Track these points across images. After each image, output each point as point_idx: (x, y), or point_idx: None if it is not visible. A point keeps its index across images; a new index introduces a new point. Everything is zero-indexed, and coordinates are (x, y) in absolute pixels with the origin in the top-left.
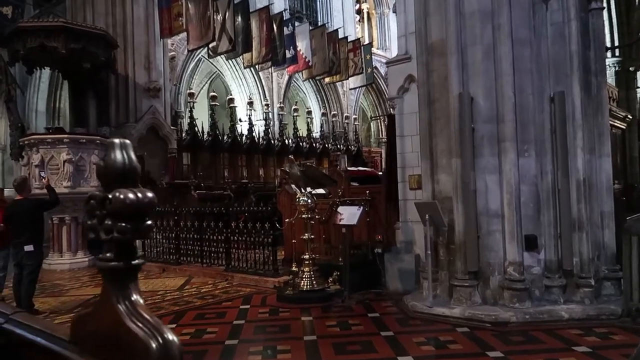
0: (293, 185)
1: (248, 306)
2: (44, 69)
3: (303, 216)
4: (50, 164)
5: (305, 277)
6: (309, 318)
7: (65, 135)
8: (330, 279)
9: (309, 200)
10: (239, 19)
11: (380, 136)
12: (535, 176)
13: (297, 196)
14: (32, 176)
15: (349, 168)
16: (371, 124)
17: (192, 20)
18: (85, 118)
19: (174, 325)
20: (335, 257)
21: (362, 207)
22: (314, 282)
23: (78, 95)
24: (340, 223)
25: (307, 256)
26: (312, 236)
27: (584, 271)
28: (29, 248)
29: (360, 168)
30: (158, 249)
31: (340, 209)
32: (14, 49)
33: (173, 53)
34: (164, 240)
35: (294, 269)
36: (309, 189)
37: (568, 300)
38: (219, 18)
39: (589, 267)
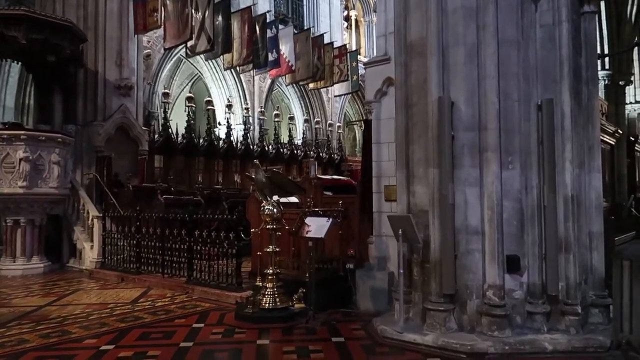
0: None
1: (202, 325)
2: (11, 62)
3: (268, 227)
4: (5, 162)
5: (267, 294)
6: (266, 342)
7: (23, 132)
8: (295, 296)
9: (275, 210)
10: (220, 18)
11: None
12: (519, 191)
13: (262, 205)
14: None
15: (321, 176)
16: (356, 132)
17: (169, 17)
18: (51, 115)
19: (111, 347)
20: (303, 273)
21: (331, 219)
22: (277, 300)
23: (43, 90)
24: (307, 235)
25: (271, 270)
26: (278, 249)
27: (570, 297)
28: None
29: (335, 177)
30: (119, 257)
31: (308, 220)
32: None
33: (148, 51)
34: (127, 248)
35: (257, 283)
36: (275, 197)
37: (552, 328)
38: (198, 16)
39: (575, 292)
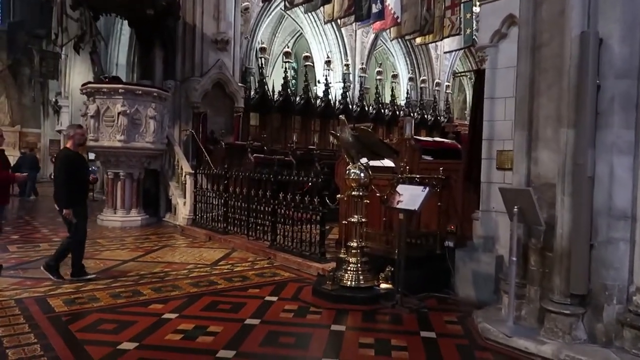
0: None
1: (275, 298)
2: (122, 20)
3: (354, 193)
4: (105, 115)
5: (350, 270)
6: (341, 328)
7: (121, 86)
8: (382, 274)
9: (362, 174)
10: None
11: None
12: None
13: (348, 168)
14: (87, 127)
15: (420, 137)
16: (467, 94)
17: None
18: (152, 71)
19: (174, 315)
20: (394, 248)
21: (428, 189)
22: (361, 278)
23: (145, 46)
24: (398, 206)
25: (355, 244)
26: (364, 219)
27: None
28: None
29: (437, 139)
30: (209, 214)
31: (401, 188)
32: None
33: (247, 4)
34: (217, 206)
35: (341, 255)
36: (364, 160)
37: None
38: None
39: None
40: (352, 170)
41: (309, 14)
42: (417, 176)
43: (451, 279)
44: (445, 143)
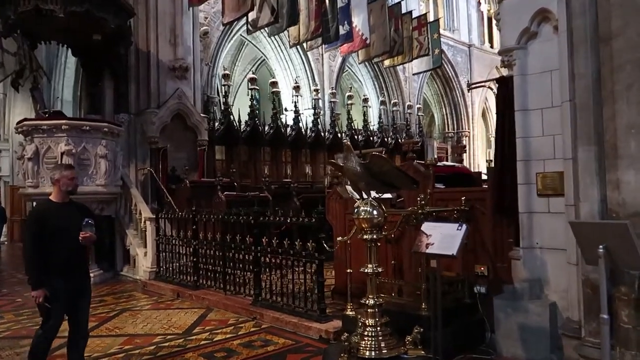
0: (349, 187)
1: None
2: (66, 51)
3: (365, 237)
4: (46, 156)
5: (368, 336)
6: None
7: (64, 121)
8: (409, 338)
9: (375, 212)
10: None
11: (446, 130)
12: None
13: (357, 205)
14: (24, 172)
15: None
16: (434, 115)
17: None
18: (101, 104)
19: None
20: (412, 300)
21: (464, 226)
22: (382, 345)
23: (93, 76)
24: (429, 251)
25: (372, 301)
26: (380, 269)
27: None
28: None
29: (446, 163)
30: (176, 265)
31: (426, 226)
32: (5, 16)
33: (206, 28)
34: (184, 255)
35: (348, 312)
36: (373, 194)
37: None
38: None
39: None
40: (363, 208)
41: (273, 38)
42: (433, 209)
43: (487, 334)
44: (456, 167)
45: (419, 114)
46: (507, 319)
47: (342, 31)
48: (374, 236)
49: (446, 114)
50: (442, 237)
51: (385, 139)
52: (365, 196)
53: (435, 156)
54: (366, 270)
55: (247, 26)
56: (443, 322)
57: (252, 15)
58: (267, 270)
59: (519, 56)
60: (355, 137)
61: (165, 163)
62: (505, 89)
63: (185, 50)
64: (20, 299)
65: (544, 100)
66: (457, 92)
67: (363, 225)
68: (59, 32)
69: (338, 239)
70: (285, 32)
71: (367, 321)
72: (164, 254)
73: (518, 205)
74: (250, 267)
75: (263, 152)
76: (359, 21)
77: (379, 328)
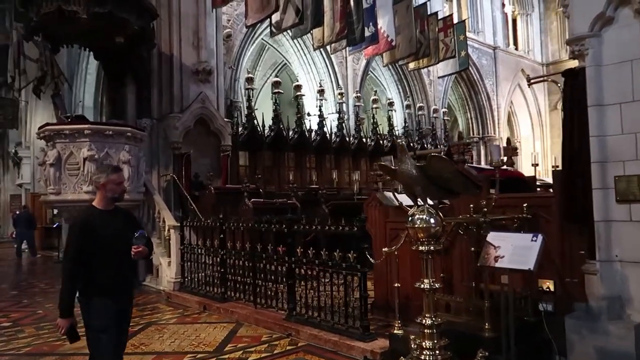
0: (390, 193)
1: None
2: (88, 57)
3: (421, 248)
4: (68, 162)
5: (426, 357)
6: None
7: (87, 126)
8: None
9: (432, 220)
10: None
11: (471, 134)
12: None
13: (411, 213)
14: (46, 179)
15: (475, 165)
16: (458, 119)
17: None
18: (123, 108)
19: None
20: (472, 319)
21: (540, 237)
22: None
23: (115, 80)
24: (499, 265)
25: (429, 321)
26: (438, 284)
27: None
28: None
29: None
30: (201, 276)
31: (493, 237)
32: (28, 18)
33: (229, 30)
34: (210, 265)
35: (396, 331)
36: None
37: None
38: None
39: None
40: (418, 216)
41: (296, 41)
42: (490, 217)
43: (555, 357)
44: (509, 172)
45: (445, 118)
46: (582, 341)
47: (367, 33)
48: (431, 247)
49: (471, 118)
50: (514, 249)
51: (411, 144)
52: (420, 202)
53: (501, 158)
54: (422, 286)
55: (270, 28)
56: (508, 343)
57: (275, 17)
58: (302, 282)
59: (592, 45)
60: (381, 142)
61: (188, 169)
62: (574, 83)
63: (209, 53)
64: (42, 311)
65: (622, 93)
66: (482, 95)
67: (419, 235)
68: (81, 34)
69: (384, 249)
70: (309, 35)
71: (424, 343)
72: (188, 263)
73: (592, 212)
74: (283, 279)
75: (287, 158)
76: (384, 22)
77: (437, 352)
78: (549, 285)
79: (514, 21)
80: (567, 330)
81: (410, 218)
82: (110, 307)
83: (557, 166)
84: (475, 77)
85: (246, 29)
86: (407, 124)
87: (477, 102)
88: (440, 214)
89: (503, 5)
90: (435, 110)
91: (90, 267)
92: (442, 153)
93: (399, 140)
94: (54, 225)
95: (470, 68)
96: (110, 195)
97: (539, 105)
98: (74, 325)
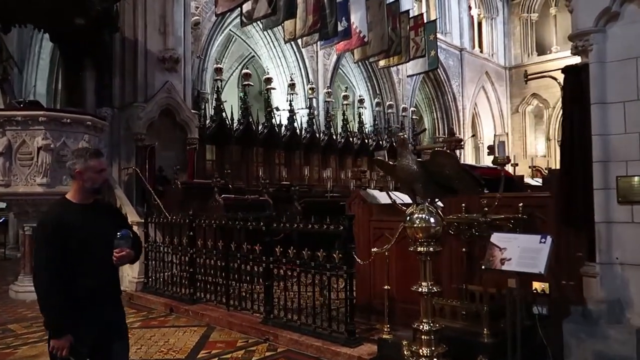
0: (374, 191)
1: None
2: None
3: (420, 249)
4: (20, 151)
5: None
6: None
7: (42, 113)
8: None
9: (432, 220)
10: None
11: (437, 134)
12: None
13: (410, 212)
14: None
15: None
16: (424, 119)
17: None
18: (82, 96)
19: None
20: (469, 324)
21: (549, 238)
22: None
23: (73, 66)
24: (506, 269)
25: (427, 327)
26: (437, 288)
27: None
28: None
29: (488, 165)
30: (167, 275)
31: (498, 238)
32: None
33: (197, 18)
34: (177, 265)
35: (385, 336)
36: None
37: None
38: None
39: None
40: (418, 215)
41: (266, 33)
42: (494, 217)
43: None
44: (492, 170)
45: (413, 117)
46: (580, 346)
47: (340, 27)
48: (431, 248)
49: (437, 118)
50: (522, 252)
51: (380, 142)
52: (419, 201)
53: (508, 154)
54: (420, 289)
55: (241, 18)
56: (503, 349)
57: (246, 7)
58: (280, 283)
59: (597, 41)
60: (351, 139)
61: (152, 162)
62: (575, 80)
63: (176, 40)
64: None
65: (627, 91)
66: (448, 96)
67: (418, 236)
68: (37, 13)
69: (373, 250)
70: (280, 27)
71: (420, 350)
72: (153, 262)
73: (592, 213)
74: (259, 279)
75: (256, 153)
76: (357, 18)
77: (435, 359)
78: (543, 287)
79: (480, 24)
80: (564, 334)
81: (408, 217)
82: (89, 325)
83: (536, 167)
84: (442, 78)
85: (215, 17)
86: (377, 122)
87: (443, 102)
88: (441, 214)
89: (470, 8)
90: (404, 109)
91: (67, 277)
92: (445, 148)
93: (401, 134)
94: (0, 220)
95: (437, 68)
96: (89, 186)
97: (502, 108)
98: (73, 343)
